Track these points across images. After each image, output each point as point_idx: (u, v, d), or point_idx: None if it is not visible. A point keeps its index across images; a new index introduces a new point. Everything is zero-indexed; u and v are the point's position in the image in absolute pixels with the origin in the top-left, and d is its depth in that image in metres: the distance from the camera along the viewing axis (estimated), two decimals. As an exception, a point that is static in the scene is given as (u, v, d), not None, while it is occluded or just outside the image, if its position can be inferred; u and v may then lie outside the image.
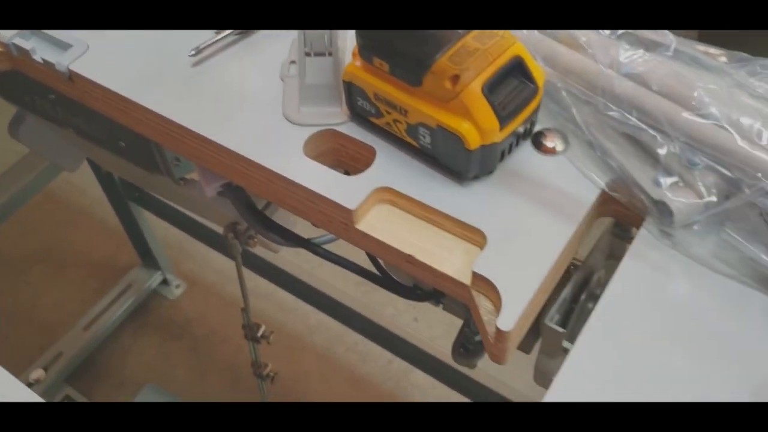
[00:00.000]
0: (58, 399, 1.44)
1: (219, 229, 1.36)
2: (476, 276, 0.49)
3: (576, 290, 0.62)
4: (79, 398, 1.45)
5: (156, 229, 1.55)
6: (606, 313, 0.48)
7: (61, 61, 0.64)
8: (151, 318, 1.60)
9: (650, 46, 0.55)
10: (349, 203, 0.53)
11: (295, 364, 1.51)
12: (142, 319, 1.60)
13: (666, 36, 0.53)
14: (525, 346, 0.69)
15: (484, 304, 0.49)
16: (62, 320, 1.56)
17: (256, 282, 1.55)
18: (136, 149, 0.72)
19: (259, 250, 1.28)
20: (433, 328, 1.52)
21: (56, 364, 1.46)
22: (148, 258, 1.58)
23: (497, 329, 0.47)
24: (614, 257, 0.66)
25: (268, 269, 1.36)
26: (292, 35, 0.66)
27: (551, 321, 0.59)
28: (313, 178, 0.55)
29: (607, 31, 0.54)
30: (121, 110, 0.64)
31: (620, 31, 0.55)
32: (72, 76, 0.65)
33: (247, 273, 1.52)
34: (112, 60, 0.64)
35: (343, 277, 1.61)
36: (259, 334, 0.95)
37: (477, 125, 0.50)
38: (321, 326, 1.56)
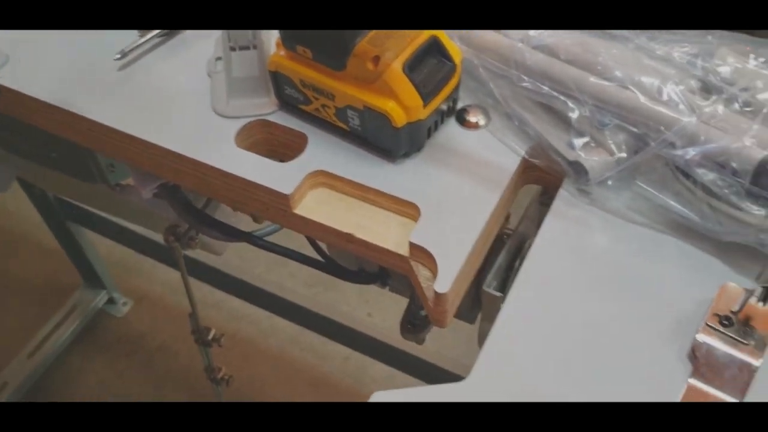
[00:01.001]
0: (8, 428, 1.41)
1: (161, 239, 1.36)
2: (413, 246, 0.51)
3: (510, 257, 0.66)
4: (31, 425, 1.42)
5: (98, 247, 1.54)
6: (532, 269, 0.51)
7: (-17, 74, 0.64)
8: (100, 338, 1.58)
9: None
10: (285, 188, 0.55)
11: (252, 369, 1.51)
12: (90, 340, 1.58)
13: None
14: (468, 317, 0.72)
15: (422, 272, 0.52)
16: (4, 350, 1.53)
17: (204, 291, 1.55)
18: (69, 159, 0.72)
19: (205, 258, 1.28)
20: (387, 321, 1.54)
21: (1, 394, 1.43)
22: (91, 277, 1.56)
23: (435, 293, 0.49)
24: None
25: (215, 276, 1.36)
26: (217, 33, 0.67)
27: (489, 287, 0.62)
28: (246, 168, 0.57)
29: (516, 8, 0.57)
30: (50, 119, 0.64)
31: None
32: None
33: (195, 282, 1.52)
34: (35, 69, 0.65)
35: (292, 279, 1.63)
36: (210, 337, 0.96)
37: (401, 103, 0.52)
38: (274, 329, 1.57)
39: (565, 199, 0.54)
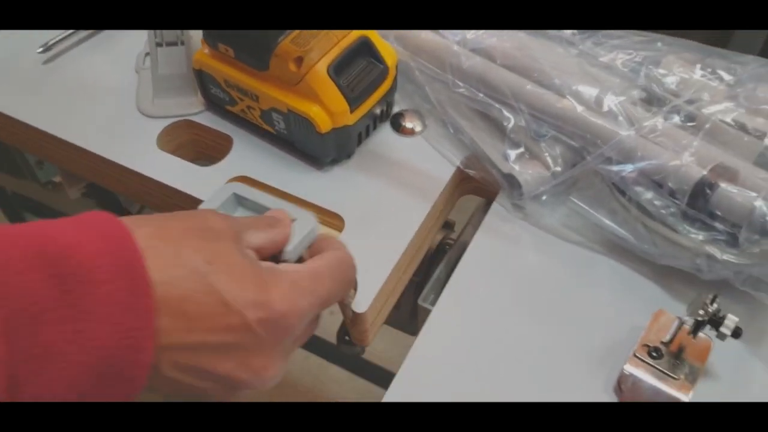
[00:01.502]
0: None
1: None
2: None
3: (451, 268, 0.63)
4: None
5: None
6: (459, 284, 0.48)
7: None
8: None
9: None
10: (205, 194, 0.51)
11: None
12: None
13: (512, 10, 0.54)
14: (409, 328, 0.69)
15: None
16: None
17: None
18: (-3, 154, 0.69)
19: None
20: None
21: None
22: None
23: (353, 312, 0.46)
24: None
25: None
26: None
27: (425, 301, 0.59)
28: (166, 172, 0.53)
29: (456, 8, 0.54)
30: (-31, 113, 0.61)
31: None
32: None
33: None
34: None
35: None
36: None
37: (326, 108, 0.49)
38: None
39: (498, 213, 0.51)
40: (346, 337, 0.70)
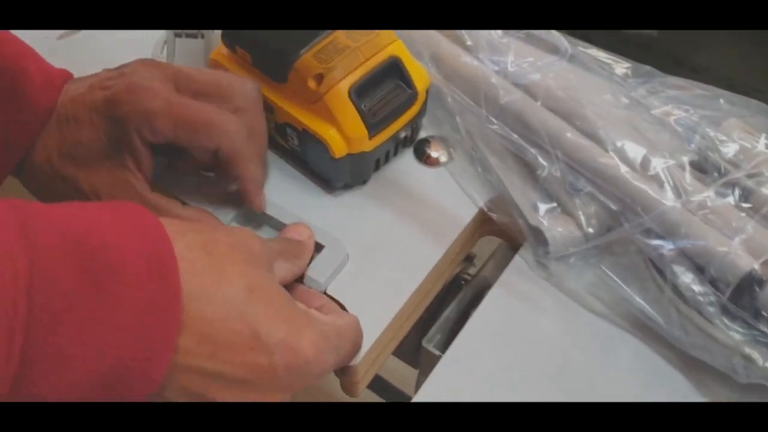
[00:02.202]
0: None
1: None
2: (329, 298, 0.44)
3: (464, 307, 0.58)
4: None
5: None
6: (463, 345, 0.44)
7: None
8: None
9: (551, 51, 0.50)
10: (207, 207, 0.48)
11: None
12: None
13: (562, 41, 0.49)
14: (413, 362, 0.65)
15: (337, 331, 0.44)
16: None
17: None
18: None
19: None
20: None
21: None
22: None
23: (343, 363, 0.42)
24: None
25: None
26: (174, 10, 0.59)
27: (430, 342, 0.55)
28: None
29: (499, 32, 0.49)
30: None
31: (514, 32, 0.50)
32: None
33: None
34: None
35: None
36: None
37: (342, 132, 0.45)
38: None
39: (519, 267, 0.47)
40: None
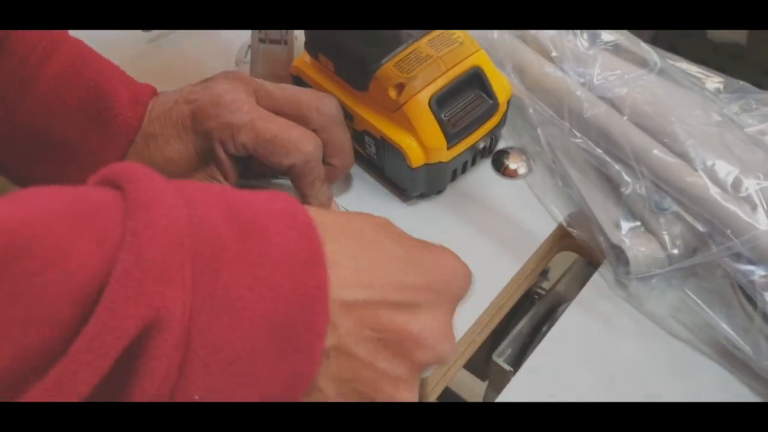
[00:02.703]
0: None
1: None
2: (402, 309, 0.44)
3: (537, 322, 0.57)
4: None
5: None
6: (538, 362, 0.43)
7: (13, 24, 0.60)
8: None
9: (639, 64, 0.49)
10: (282, 211, 0.48)
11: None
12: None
13: (651, 54, 0.47)
14: (481, 374, 0.65)
15: (408, 341, 0.44)
16: None
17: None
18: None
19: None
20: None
21: None
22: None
23: (414, 374, 0.42)
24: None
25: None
26: (258, 15, 0.60)
27: (500, 356, 0.54)
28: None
29: (586, 43, 0.48)
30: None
31: (601, 44, 0.48)
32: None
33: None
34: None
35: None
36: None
37: (421, 142, 0.45)
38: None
39: (598, 285, 0.45)
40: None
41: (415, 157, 0.45)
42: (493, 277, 0.45)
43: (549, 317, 0.57)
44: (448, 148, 0.45)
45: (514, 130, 0.51)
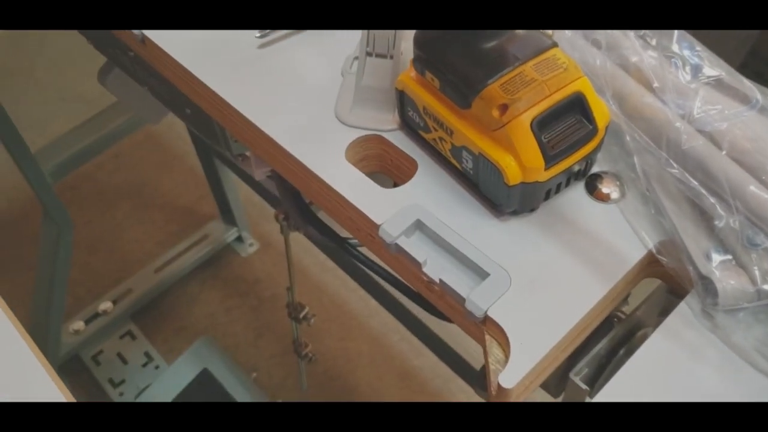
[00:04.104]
0: (120, 333, 1.50)
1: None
2: (490, 320, 0.46)
3: (614, 345, 0.58)
4: (140, 336, 1.51)
5: (240, 186, 1.58)
6: (619, 387, 0.44)
7: (136, 23, 0.65)
8: (220, 271, 1.65)
9: (741, 100, 0.49)
10: (379, 218, 0.51)
11: (348, 343, 1.51)
12: (211, 270, 1.65)
13: (753, 91, 0.48)
14: (554, 391, 0.66)
15: (494, 352, 0.46)
16: (138, 258, 1.63)
17: (324, 256, 1.57)
18: (200, 119, 0.72)
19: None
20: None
21: (125, 299, 1.52)
22: (227, 213, 1.62)
23: (499, 384, 0.44)
24: (667, 315, 0.61)
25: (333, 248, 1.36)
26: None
27: (577, 375, 0.55)
28: (348, 184, 0.53)
29: (688, 77, 0.49)
30: (184, 81, 0.64)
31: (704, 77, 0.49)
32: (144, 39, 0.65)
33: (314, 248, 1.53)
34: (180, 30, 0.64)
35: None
36: (302, 315, 0.95)
37: (519, 161, 0.46)
38: (379, 311, 1.55)
39: (683, 314, 0.46)
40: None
41: (513, 175, 0.47)
42: (580, 298, 0.46)
43: (626, 341, 0.58)
44: (545, 169, 0.47)
45: (610, 156, 0.52)
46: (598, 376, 0.57)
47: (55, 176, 1.20)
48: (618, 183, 0.51)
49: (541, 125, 0.46)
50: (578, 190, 0.52)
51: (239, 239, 1.67)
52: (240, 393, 1.30)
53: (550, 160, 0.47)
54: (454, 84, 0.48)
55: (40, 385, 0.46)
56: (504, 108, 0.46)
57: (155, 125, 1.07)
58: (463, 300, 0.47)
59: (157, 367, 1.46)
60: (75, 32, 0.77)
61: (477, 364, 1.24)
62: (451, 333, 1.30)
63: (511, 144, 0.46)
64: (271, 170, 0.67)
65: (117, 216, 1.74)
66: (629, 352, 0.58)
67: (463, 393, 1.43)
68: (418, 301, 0.66)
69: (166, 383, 1.33)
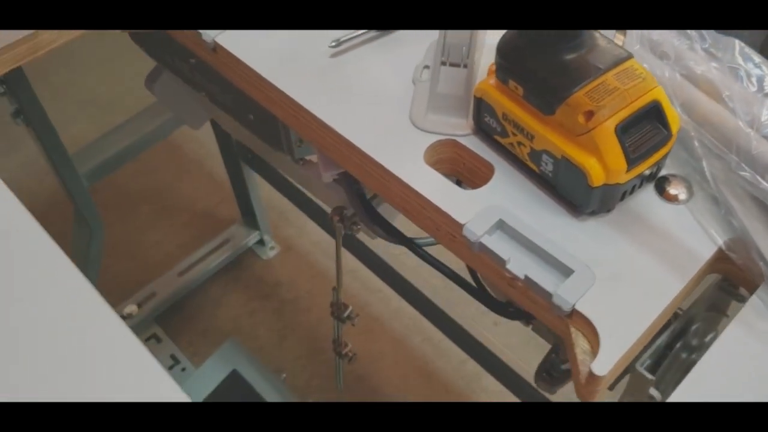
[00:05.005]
0: (145, 336, 1.53)
1: (324, 206, 1.40)
2: (576, 313, 0.49)
3: (672, 338, 0.61)
4: (165, 339, 1.53)
5: (261, 190, 1.61)
6: (700, 379, 0.47)
7: (208, 32, 0.68)
8: (243, 274, 1.67)
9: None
10: (461, 217, 0.54)
11: (371, 345, 1.54)
12: (234, 273, 1.67)
13: (818, 101, 0.51)
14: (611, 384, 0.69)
15: (580, 344, 0.49)
16: (160, 261, 1.65)
17: (345, 257, 1.59)
18: (264, 125, 0.75)
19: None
20: (511, 336, 1.51)
21: (149, 302, 1.55)
22: (249, 216, 1.64)
23: (590, 372, 0.47)
24: (715, 310, 0.64)
25: (358, 247, 1.39)
26: (429, 39, 0.66)
27: (642, 366, 0.59)
28: (428, 186, 0.56)
29: (754, 87, 0.52)
30: (256, 88, 0.67)
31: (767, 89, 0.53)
32: (216, 48, 0.68)
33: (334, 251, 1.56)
34: (254, 39, 0.67)
35: (426, 272, 1.64)
36: (346, 314, 0.98)
37: (604, 163, 0.50)
38: (400, 313, 1.58)
39: (756, 307, 0.50)
40: (545, 374, 0.71)
41: (597, 176, 0.50)
42: (659, 292, 0.50)
43: (683, 335, 0.62)
44: (627, 171, 0.50)
45: (676, 159, 0.55)
46: (658, 367, 0.61)
47: (90, 179, 1.23)
48: (685, 185, 0.55)
49: (623, 130, 0.49)
50: (649, 191, 0.55)
51: (260, 242, 1.69)
52: (270, 394, 1.32)
53: (631, 163, 0.50)
54: (539, 92, 0.51)
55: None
56: (590, 114, 0.49)
57: (196, 130, 1.10)
58: (550, 295, 0.50)
59: (183, 370, 1.48)
60: (89, 37, 0.78)
61: (507, 359, 1.27)
62: (478, 329, 1.33)
63: (596, 148, 0.49)
64: (339, 174, 0.70)
65: (137, 220, 1.76)
66: (686, 346, 0.62)
67: (485, 393, 1.46)
68: (480, 296, 0.70)
69: (196, 384, 1.35)
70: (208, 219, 1.76)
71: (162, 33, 0.75)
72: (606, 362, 0.46)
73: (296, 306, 1.62)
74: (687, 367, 0.63)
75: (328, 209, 1.38)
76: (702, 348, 0.64)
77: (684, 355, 0.64)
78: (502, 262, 0.52)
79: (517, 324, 1.59)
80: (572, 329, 0.50)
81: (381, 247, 1.40)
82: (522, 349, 1.41)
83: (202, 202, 1.81)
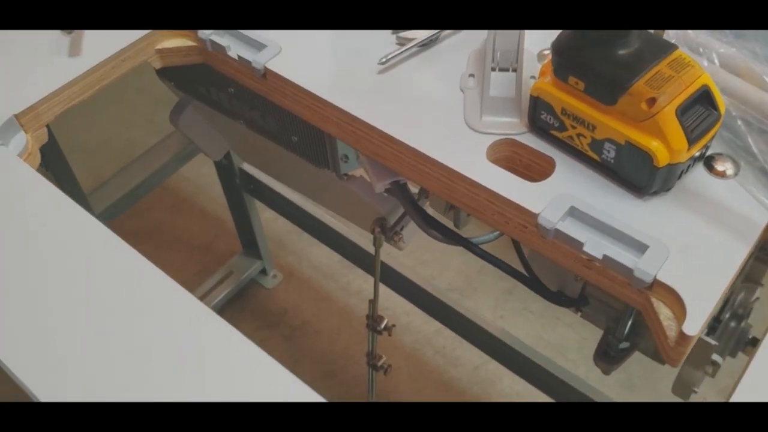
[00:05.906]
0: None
1: (336, 226, 1.43)
2: (657, 283, 0.53)
3: (720, 309, 0.66)
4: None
5: (262, 219, 1.63)
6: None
7: (258, 59, 0.71)
8: (248, 305, 1.68)
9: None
10: (534, 207, 0.58)
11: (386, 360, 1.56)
12: (239, 305, 1.68)
13: None
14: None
15: (663, 311, 0.53)
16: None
17: (351, 275, 1.62)
18: (309, 144, 0.79)
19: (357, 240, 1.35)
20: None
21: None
22: (250, 246, 1.66)
23: (680, 334, 0.51)
24: (751, 280, 0.69)
25: (366, 261, 1.41)
26: (467, 49, 0.71)
27: (702, 334, 0.63)
28: (497, 182, 0.60)
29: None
30: (309, 108, 0.70)
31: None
32: (266, 74, 0.71)
33: (344, 262, 1.58)
34: (304, 63, 0.71)
35: (439, 273, 1.66)
36: (382, 326, 1.01)
37: (668, 145, 0.54)
38: (411, 328, 1.61)
39: (816, 262, 0.54)
40: (604, 355, 0.75)
41: (662, 157, 0.55)
42: (728, 258, 0.54)
43: (726, 304, 0.67)
44: (687, 150, 0.55)
45: (719, 139, 0.61)
46: (711, 335, 0.65)
47: (105, 218, 1.24)
48: (731, 161, 0.60)
49: (682, 113, 0.54)
50: (699, 170, 0.60)
51: (263, 272, 1.71)
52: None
53: (691, 142, 0.55)
54: (601, 84, 0.56)
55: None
56: (652, 101, 0.54)
57: (215, 160, 1.12)
58: (630, 271, 0.54)
59: (202, 404, 1.48)
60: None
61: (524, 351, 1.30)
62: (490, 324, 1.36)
63: (659, 131, 0.54)
64: (391, 183, 0.74)
65: (135, 261, 1.76)
66: (734, 316, 0.67)
67: (502, 397, 1.50)
68: (533, 285, 0.74)
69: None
70: (206, 254, 1.77)
71: (201, 66, 0.78)
72: (696, 322, 0.51)
73: (305, 330, 1.64)
74: (739, 335, 0.68)
75: (344, 228, 1.42)
76: (746, 316, 0.69)
77: (733, 324, 0.68)
78: (579, 245, 0.56)
79: (523, 320, 1.63)
80: (653, 299, 0.54)
81: (387, 256, 1.43)
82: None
83: (197, 238, 1.82)
